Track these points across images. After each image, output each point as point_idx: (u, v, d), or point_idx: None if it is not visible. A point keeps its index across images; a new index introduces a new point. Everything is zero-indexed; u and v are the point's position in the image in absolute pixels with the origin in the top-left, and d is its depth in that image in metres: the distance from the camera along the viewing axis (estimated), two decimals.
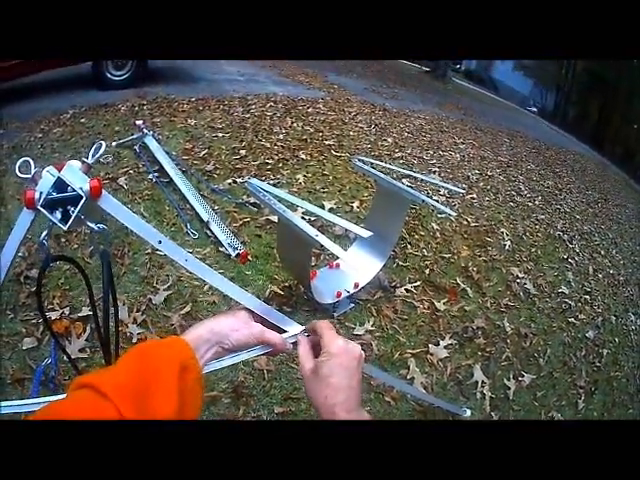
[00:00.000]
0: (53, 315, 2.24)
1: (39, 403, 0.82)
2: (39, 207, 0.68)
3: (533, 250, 4.37)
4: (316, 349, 0.78)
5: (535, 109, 29.26)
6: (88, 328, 2.20)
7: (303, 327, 0.86)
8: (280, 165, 4.38)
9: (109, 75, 5.85)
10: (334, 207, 3.76)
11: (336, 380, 0.70)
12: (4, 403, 0.87)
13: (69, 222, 0.69)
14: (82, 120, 4.82)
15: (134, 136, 4.16)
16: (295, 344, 0.85)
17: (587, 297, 4.01)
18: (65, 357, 1.17)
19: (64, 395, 0.62)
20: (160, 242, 0.76)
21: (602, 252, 5.35)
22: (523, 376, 2.70)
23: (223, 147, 4.53)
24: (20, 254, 2.53)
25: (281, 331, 0.85)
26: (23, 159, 0.69)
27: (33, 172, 0.69)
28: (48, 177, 0.68)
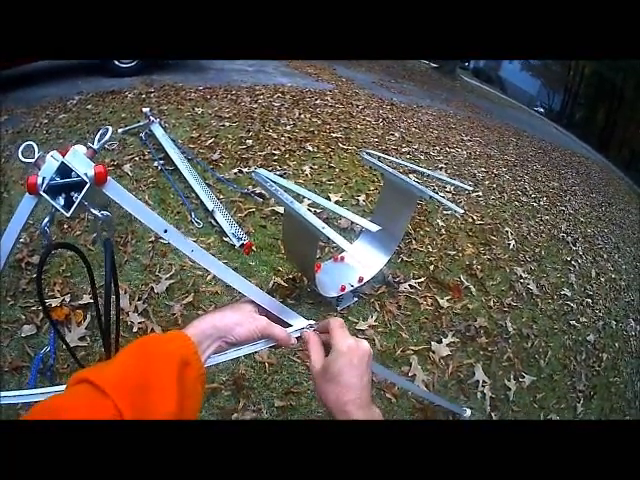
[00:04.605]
0: (54, 302, 2.23)
1: (36, 394, 0.81)
2: (41, 192, 0.66)
3: (537, 250, 4.34)
4: (326, 347, 0.76)
5: (542, 110, 29.21)
6: (88, 316, 2.20)
7: (308, 322, 0.85)
8: (287, 156, 4.36)
9: (117, 63, 5.83)
10: (340, 200, 3.74)
11: (346, 378, 0.68)
12: (1, 393, 0.86)
13: (72, 208, 0.67)
14: (88, 106, 4.82)
15: (140, 123, 4.15)
16: (300, 339, 0.84)
17: (589, 300, 3.98)
18: (64, 345, 1.16)
19: (62, 387, 0.61)
20: (166, 231, 0.74)
21: (605, 256, 5.32)
22: (523, 377, 2.69)
23: (230, 136, 4.51)
24: (22, 240, 2.53)
25: (286, 325, 0.84)
26: (26, 143, 0.67)
27: (36, 156, 0.66)
28: (52, 162, 0.66)
